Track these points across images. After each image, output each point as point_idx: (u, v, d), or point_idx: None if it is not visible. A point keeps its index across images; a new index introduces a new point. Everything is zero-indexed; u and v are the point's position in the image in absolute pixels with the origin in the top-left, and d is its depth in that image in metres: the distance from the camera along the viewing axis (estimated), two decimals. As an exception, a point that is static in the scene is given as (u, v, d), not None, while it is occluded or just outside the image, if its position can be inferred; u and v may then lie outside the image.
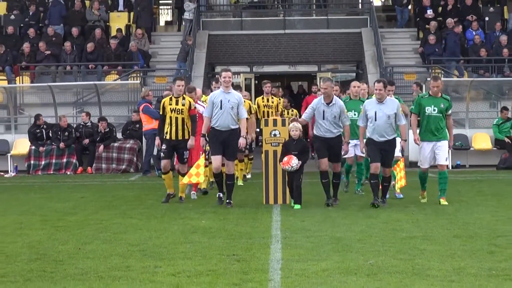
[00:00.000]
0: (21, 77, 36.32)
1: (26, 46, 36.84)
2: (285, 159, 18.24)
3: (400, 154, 19.46)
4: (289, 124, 19.01)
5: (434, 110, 18.67)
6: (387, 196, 19.30)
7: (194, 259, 12.79)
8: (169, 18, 43.33)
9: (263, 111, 25.74)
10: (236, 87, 22.00)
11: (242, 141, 19.03)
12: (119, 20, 39.40)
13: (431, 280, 11.15)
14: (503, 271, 11.65)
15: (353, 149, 20.65)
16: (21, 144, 33.34)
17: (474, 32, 37.18)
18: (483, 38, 37.18)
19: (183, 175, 19.62)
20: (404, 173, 19.32)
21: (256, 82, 42.98)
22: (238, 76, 44.67)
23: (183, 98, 19.68)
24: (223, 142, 18.79)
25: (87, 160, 32.15)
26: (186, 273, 11.79)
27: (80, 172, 31.84)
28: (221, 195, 19.21)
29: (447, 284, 10.88)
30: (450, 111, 19.02)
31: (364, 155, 20.06)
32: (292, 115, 26.62)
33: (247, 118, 20.09)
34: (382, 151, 18.46)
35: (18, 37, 38.34)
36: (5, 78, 36.41)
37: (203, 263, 12.50)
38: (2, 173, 32.34)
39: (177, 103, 19.60)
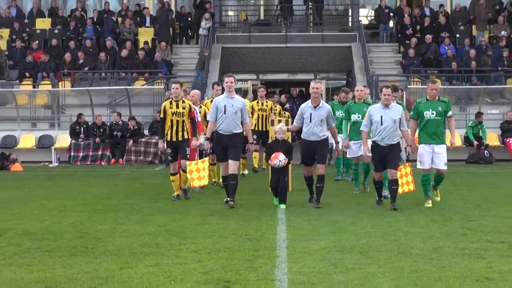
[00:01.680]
0: (63, 82, 36.31)
1: (67, 56, 36.85)
2: (273, 155, 16.38)
3: (403, 159, 18.09)
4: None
5: (432, 114, 16.56)
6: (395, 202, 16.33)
7: (213, 238, 12.82)
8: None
9: (258, 114, 24.37)
10: (245, 92, 21.83)
11: (251, 147, 18.12)
12: (146, 34, 39.35)
13: (415, 258, 11.16)
14: (475, 251, 11.67)
15: (359, 149, 18.80)
16: (63, 139, 33.44)
17: (447, 47, 37.11)
18: (455, 52, 37.13)
19: (185, 171, 17.88)
20: (412, 178, 16.72)
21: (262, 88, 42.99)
22: (246, 82, 44.83)
23: (183, 102, 17.94)
24: (226, 146, 16.78)
25: (119, 153, 32.31)
26: (207, 250, 11.80)
27: (113, 163, 31.93)
28: (229, 199, 16.74)
29: (428, 261, 10.88)
30: (450, 113, 16.88)
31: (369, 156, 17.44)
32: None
33: None
34: (386, 155, 16.26)
35: (61, 48, 38.30)
36: (49, 83, 36.39)
37: (220, 242, 12.51)
38: (47, 163, 32.41)
39: (177, 107, 17.82)
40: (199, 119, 18.90)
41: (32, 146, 33.92)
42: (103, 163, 31.88)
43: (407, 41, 37.81)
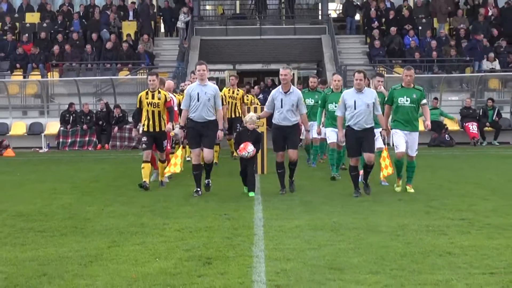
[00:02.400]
0: (51, 72, 36.22)
1: (55, 48, 36.71)
2: (242, 146, 15.52)
3: (382, 145, 16.42)
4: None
5: (406, 100, 15.66)
6: (369, 183, 15.83)
7: (194, 217, 12.84)
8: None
9: (228, 101, 23.15)
10: (221, 81, 21.48)
11: (220, 134, 15.94)
12: (129, 28, 39.16)
13: (382, 235, 11.23)
14: (438, 227, 11.75)
15: (335, 135, 17.62)
16: (52, 126, 33.43)
17: (410, 39, 37.19)
18: (417, 43, 37.23)
19: (163, 161, 17.31)
20: (389, 162, 15.62)
21: (237, 77, 42.97)
22: (223, 72, 44.81)
23: (159, 92, 16.85)
24: (200, 133, 15.67)
25: (105, 139, 32.37)
26: (189, 229, 11.82)
27: (99, 149, 31.94)
28: (199, 189, 15.68)
29: (394, 238, 10.95)
30: (424, 101, 15.98)
31: (343, 145, 17.10)
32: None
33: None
34: (361, 139, 15.25)
35: (49, 41, 38.11)
36: (39, 73, 36.27)
37: (201, 221, 12.52)
38: (37, 149, 32.32)
39: (153, 97, 16.77)
40: (176, 109, 17.99)
41: (23, 133, 33.89)
42: (90, 149, 31.95)
43: (373, 33, 37.85)
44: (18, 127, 34.14)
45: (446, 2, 39.49)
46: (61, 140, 32.48)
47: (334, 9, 45.02)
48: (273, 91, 15.96)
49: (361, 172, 16.08)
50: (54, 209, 14.30)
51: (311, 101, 20.50)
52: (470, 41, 36.81)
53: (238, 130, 21.12)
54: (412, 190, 15.87)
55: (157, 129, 16.84)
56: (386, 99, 16.05)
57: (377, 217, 12.78)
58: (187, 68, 35.79)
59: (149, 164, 16.90)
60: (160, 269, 9.19)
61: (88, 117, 32.50)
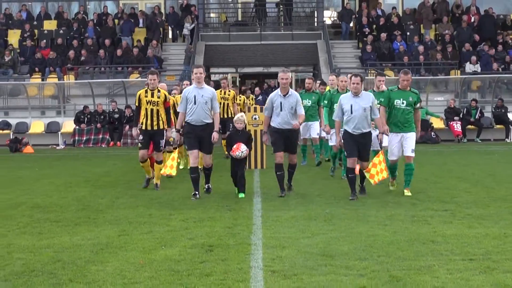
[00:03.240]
0: (67, 75, 36.20)
1: (71, 53, 36.74)
2: (234, 146, 14.25)
3: (378, 147, 15.25)
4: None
5: (402, 103, 14.46)
6: (365, 188, 14.76)
7: (198, 209, 12.88)
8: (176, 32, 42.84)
9: (220, 102, 21.92)
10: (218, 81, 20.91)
11: (215, 135, 14.41)
12: (139, 34, 39.14)
13: (371, 224, 11.27)
14: (422, 218, 11.79)
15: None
16: (68, 125, 33.42)
17: (399, 43, 37.20)
18: (406, 47, 37.23)
19: (159, 162, 15.96)
20: (385, 166, 14.25)
21: (240, 79, 43.03)
22: (226, 75, 44.80)
23: (158, 91, 15.67)
24: (198, 136, 14.34)
25: (117, 137, 32.33)
26: (193, 219, 11.86)
27: (111, 146, 31.94)
28: (197, 193, 14.27)
29: (382, 227, 10.99)
30: (418, 105, 14.74)
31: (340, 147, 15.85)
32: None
33: None
34: (358, 144, 14.02)
35: (65, 46, 38.09)
36: (56, 76, 36.27)
37: (204, 212, 12.56)
38: (54, 146, 32.38)
39: (152, 96, 15.57)
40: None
41: (41, 131, 33.89)
42: (103, 146, 31.92)
43: (365, 38, 37.86)
44: (37, 126, 34.17)
45: (433, 10, 39.59)
46: (76, 138, 32.53)
47: (329, 17, 44.96)
48: (272, 95, 14.72)
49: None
50: (69, 201, 14.34)
51: (308, 102, 19.81)
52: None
53: (230, 130, 19.74)
54: (410, 194, 14.50)
55: (155, 127, 15.67)
56: (382, 100, 14.76)
57: (367, 208, 12.81)
58: (193, 71, 35.78)
59: (148, 162, 15.96)
60: (166, 256, 9.23)
61: (102, 117, 32.57)
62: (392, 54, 37.03)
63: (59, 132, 33.41)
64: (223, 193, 14.93)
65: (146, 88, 15.78)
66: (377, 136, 14.80)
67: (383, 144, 15.18)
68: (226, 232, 10.73)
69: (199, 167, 14.92)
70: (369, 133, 14.19)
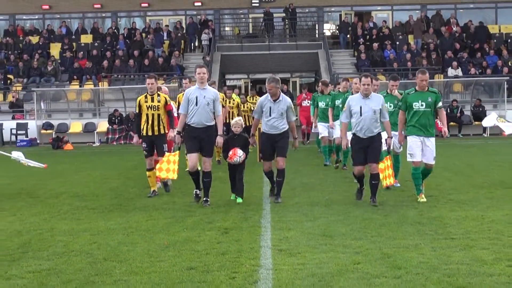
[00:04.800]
0: (102, 82, 36.30)
1: (105, 63, 36.84)
2: (230, 153, 12.24)
3: (385, 151, 12.71)
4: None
5: (422, 105, 12.00)
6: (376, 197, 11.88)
7: (215, 196, 12.80)
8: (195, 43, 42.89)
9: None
10: (232, 86, 19.71)
11: (219, 140, 12.16)
12: (164, 46, 39.22)
13: (365, 209, 11.27)
14: (410, 203, 11.79)
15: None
16: (103, 125, 33.51)
17: (389, 52, 37.15)
18: (395, 55, 37.17)
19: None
20: (392, 171, 12.33)
21: (251, 84, 43.04)
22: (239, 80, 44.82)
23: (158, 95, 13.48)
24: (199, 139, 12.09)
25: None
26: (211, 206, 11.85)
27: (140, 143, 31.79)
28: (198, 191, 12.46)
29: (375, 211, 10.98)
30: (440, 104, 12.21)
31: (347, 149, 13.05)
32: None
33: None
34: (367, 147, 11.78)
35: (100, 57, 38.19)
36: (91, 83, 36.36)
37: (220, 199, 12.58)
38: (91, 144, 32.48)
39: (152, 100, 13.37)
40: (176, 114, 14.38)
41: (79, 131, 33.99)
42: (131, 143, 31.96)
43: (360, 48, 37.80)
44: (76, 126, 34.25)
45: (421, 22, 39.69)
46: (109, 136, 32.70)
47: (328, 29, 44.87)
48: (262, 99, 12.59)
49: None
50: (104, 191, 14.37)
51: (323, 104, 18.03)
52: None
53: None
54: (425, 200, 12.03)
55: (156, 132, 13.36)
56: (399, 104, 12.57)
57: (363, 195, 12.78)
58: (210, 77, 35.84)
59: (154, 171, 13.33)
60: (187, 237, 9.24)
61: (133, 120, 32.58)
62: (384, 61, 36.97)
63: (95, 132, 33.53)
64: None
65: (145, 94, 13.62)
66: (385, 140, 12.14)
67: (391, 149, 12.77)
68: (239, 217, 10.74)
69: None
70: (379, 134, 11.91)
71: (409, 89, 12.55)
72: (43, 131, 33.56)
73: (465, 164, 18.51)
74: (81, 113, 35.53)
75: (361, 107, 11.78)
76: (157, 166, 12.77)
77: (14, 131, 32.81)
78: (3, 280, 7.26)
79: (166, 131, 13.55)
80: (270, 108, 12.29)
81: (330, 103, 17.32)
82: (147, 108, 13.38)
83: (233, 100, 21.02)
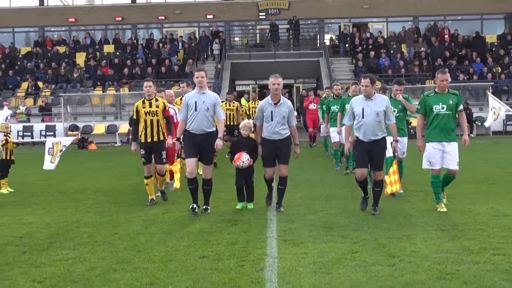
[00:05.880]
0: (123, 88, 36.37)
1: (125, 70, 36.90)
2: (236, 156, 10.78)
3: (392, 156, 11.29)
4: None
5: (442, 108, 10.20)
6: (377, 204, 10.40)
7: (226, 191, 12.78)
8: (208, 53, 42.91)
9: (226, 113, 18.38)
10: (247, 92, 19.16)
11: (219, 143, 10.45)
12: (179, 54, 39.25)
13: (362, 203, 11.23)
14: (403, 197, 11.74)
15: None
16: (124, 127, 33.47)
17: (384, 59, 37.10)
18: (390, 62, 37.11)
19: (162, 175, 12.14)
20: (398, 177, 10.69)
21: (258, 89, 43.09)
22: (248, 86, 44.83)
23: (156, 100, 11.68)
24: (198, 145, 10.44)
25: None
26: (221, 200, 11.84)
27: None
28: (195, 206, 10.47)
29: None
30: (461, 106, 10.41)
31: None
32: (233, 106, 19.83)
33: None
34: (371, 152, 10.16)
35: (121, 65, 38.27)
36: (113, 89, 36.45)
37: (230, 194, 12.40)
38: (113, 144, 32.51)
39: (150, 105, 11.59)
40: (176, 120, 12.50)
41: (102, 132, 34.05)
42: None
43: (357, 56, 37.77)
44: (99, 128, 34.32)
45: (412, 32, 39.60)
46: (130, 137, 32.62)
47: (329, 39, 44.84)
48: (262, 103, 10.78)
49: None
50: (125, 186, 14.39)
51: (336, 108, 16.19)
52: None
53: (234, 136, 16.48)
54: (445, 200, 10.67)
55: (155, 139, 11.65)
56: (418, 108, 10.58)
57: (359, 190, 12.63)
58: (221, 83, 35.91)
59: (152, 178, 11.92)
60: (200, 229, 9.24)
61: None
62: (379, 67, 36.91)
63: (117, 133, 33.57)
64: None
65: (143, 99, 11.84)
66: (391, 143, 10.56)
67: (397, 154, 11.21)
68: (247, 210, 10.73)
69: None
70: (383, 140, 10.28)
71: (428, 91, 10.61)
72: (69, 133, 33.57)
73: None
74: (104, 116, 35.59)
75: (363, 109, 10.19)
76: (176, 176, 11.64)
77: (43, 132, 32.94)
78: (34, 268, 7.29)
79: (166, 138, 11.77)
80: (272, 112, 10.55)
81: (339, 107, 15.78)
82: (145, 114, 11.64)
83: (233, 103, 20.14)
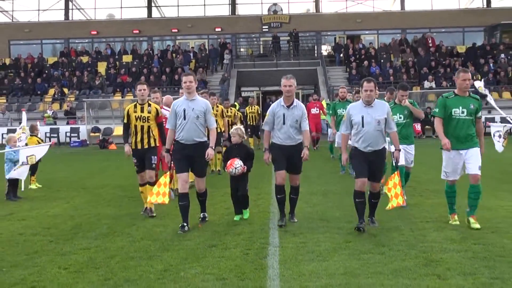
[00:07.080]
0: (140, 94, 36.34)
1: (142, 78, 36.75)
2: (228, 162, 9.28)
3: (403, 164, 10.21)
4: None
5: (463, 112, 8.34)
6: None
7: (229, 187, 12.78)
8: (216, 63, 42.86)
9: (225, 120, 16.21)
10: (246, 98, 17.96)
11: (210, 152, 8.71)
12: (190, 64, 39.24)
13: (355, 197, 11.20)
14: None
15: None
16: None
17: (375, 68, 37.04)
18: (380, 71, 37.05)
19: (152, 184, 9.61)
20: (401, 190, 8.58)
21: (262, 95, 43.07)
22: (252, 92, 44.79)
23: (149, 105, 10.08)
24: (189, 157, 8.74)
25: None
26: (228, 195, 11.47)
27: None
28: (185, 225, 8.62)
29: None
30: (480, 113, 8.49)
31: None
32: (231, 113, 18.38)
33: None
34: (370, 163, 8.41)
35: (138, 73, 38.24)
36: (131, 94, 36.34)
37: (237, 189, 12.53)
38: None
39: (142, 110, 10.03)
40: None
41: (121, 134, 33.95)
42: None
43: (351, 65, 37.74)
44: (118, 130, 34.15)
45: (399, 44, 39.55)
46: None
47: (325, 50, 44.80)
48: (273, 106, 9.05)
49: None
50: (131, 180, 14.29)
51: (343, 111, 14.90)
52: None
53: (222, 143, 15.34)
54: (478, 226, 8.23)
55: (146, 145, 10.05)
56: (436, 110, 8.58)
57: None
58: (229, 90, 35.91)
59: (147, 186, 9.99)
60: (209, 221, 9.23)
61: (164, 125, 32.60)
62: (370, 75, 36.82)
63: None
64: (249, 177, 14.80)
65: (135, 103, 10.29)
66: (393, 153, 8.69)
67: (399, 163, 9.23)
68: (252, 204, 10.63)
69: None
70: (383, 150, 8.63)
71: (447, 93, 8.69)
72: (92, 134, 33.62)
73: (438, 160, 18.23)
74: (123, 119, 35.53)
75: (362, 117, 8.39)
76: (153, 189, 9.06)
77: (68, 134, 32.97)
78: (59, 256, 7.30)
79: (158, 144, 10.15)
80: (284, 115, 8.87)
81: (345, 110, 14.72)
82: (136, 119, 10.08)
83: (230, 109, 18.87)
